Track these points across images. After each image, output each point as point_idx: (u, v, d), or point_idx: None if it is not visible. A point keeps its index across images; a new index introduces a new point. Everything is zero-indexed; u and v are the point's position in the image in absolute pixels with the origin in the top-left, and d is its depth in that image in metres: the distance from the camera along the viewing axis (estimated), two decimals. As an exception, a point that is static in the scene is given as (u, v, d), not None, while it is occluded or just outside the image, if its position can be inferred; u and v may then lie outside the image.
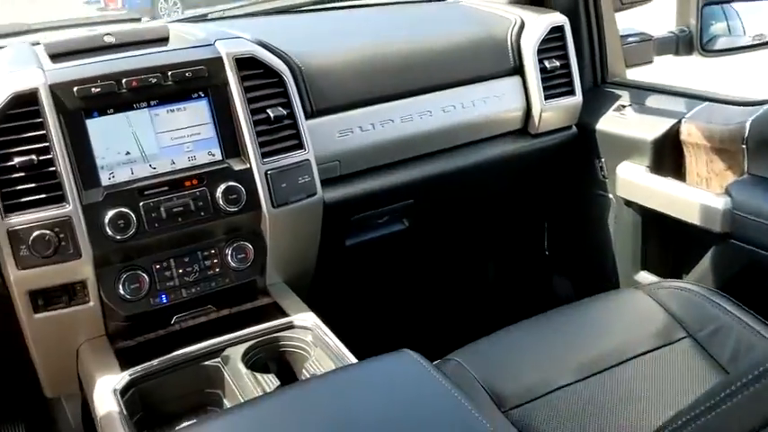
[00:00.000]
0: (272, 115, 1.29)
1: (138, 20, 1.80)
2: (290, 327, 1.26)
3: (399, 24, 1.73)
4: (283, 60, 1.36)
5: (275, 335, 1.24)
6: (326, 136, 1.41)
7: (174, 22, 1.79)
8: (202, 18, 1.82)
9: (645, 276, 1.64)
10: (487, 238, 2.03)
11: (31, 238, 1.13)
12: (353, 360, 1.14)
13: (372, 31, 1.66)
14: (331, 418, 0.82)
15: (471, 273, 2.10)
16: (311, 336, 1.24)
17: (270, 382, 1.13)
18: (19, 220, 1.13)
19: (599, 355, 1.20)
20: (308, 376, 1.17)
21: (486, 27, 1.64)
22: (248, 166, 1.27)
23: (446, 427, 0.77)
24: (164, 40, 1.41)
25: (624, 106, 1.65)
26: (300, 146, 1.33)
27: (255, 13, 1.87)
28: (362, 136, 1.45)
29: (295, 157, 1.32)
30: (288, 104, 1.32)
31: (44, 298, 1.21)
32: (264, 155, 1.28)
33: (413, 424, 0.79)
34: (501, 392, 1.14)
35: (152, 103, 1.22)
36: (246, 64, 1.29)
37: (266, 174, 1.28)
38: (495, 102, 1.59)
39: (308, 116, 1.38)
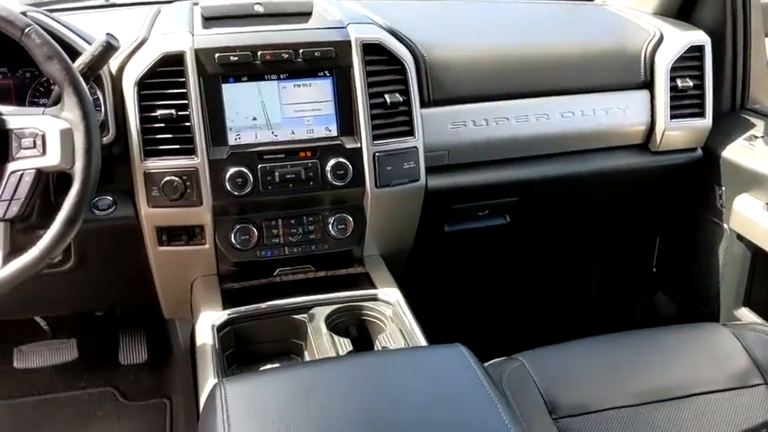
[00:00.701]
0: (388, 101, 1.36)
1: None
2: (374, 299, 1.35)
3: (535, 23, 1.73)
4: (409, 49, 1.43)
5: (359, 303, 1.34)
6: (439, 125, 1.47)
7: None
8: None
9: (745, 313, 1.58)
10: (591, 245, 2.01)
11: (163, 181, 1.29)
12: (423, 341, 1.21)
13: (505, 28, 1.68)
14: (368, 393, 0.91)
15: (568, 277, 2.09)
16: (391, 311, 1.32)
17: (343, 345, 1.23)
18: (155, 164, 1.29)
19: (664, 384, 1.19)
20: (381, 348, 1.26)
21: (623, 37, 1.61)
22: (359, 145, 1.36)
23: (468, 428, 0.83)
24: (307, 14, 1.53)
25: (756, 137, 1.56)
26: (411, 133, 1.40)
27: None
28: (475, 130, 1.49)
29: (404, 143, 1.39)
30: (405, 92, 1.39)
31: (168, 234, 1.38)
32: (376, 137, 1.36)
33: (438, 416, 0.86)
34: (556, 400, 1.17)
35: (282, 76, 1.34)
36: (373, 49, 1.37)
37: (374, 155, 1.36)
38: (617, 114, 1.57)
39: (424, 104, 1.44)
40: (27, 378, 1.87)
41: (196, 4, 1.55)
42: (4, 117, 1.07)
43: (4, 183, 1.06)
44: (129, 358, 1.94)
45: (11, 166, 1.06)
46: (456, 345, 1.00)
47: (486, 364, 1.18)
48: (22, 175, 1.06)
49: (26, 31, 1.05)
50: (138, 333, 1.98)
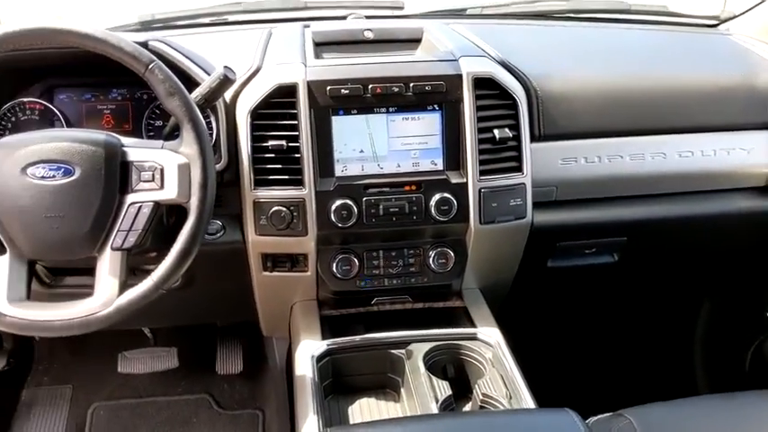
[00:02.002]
0: (497, 136, 1.33)
1: (402, 7, 1.90)
2: (474, 338, 1.32)
3: (653, 53, 1.64)
4: (521, 82, 1.39)
5: (458, 342, 1.31)
6: (549, 161, 1.43)
7: (432, 14, 1.89)
8: (460, 13, 1.89)
9: None
10: (700, 286, 1.91)
11: (271, 211, 1.31)
12: (524, 392, 1.17)
13: (622, 58, 1.61)
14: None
15: (675, 319, 1.99)
16: (491, 353, 1.29)
17: (442, 388, 1.21)
18: (264, 194, 1.31)
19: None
20: (480, 394, 1.23)
21: (749, 72, 1.51)
22: (465, 180, 1.33)
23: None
24: (416, 41, 1.51)
25: None
26: (519, 169, 1.36)
27: (510, 14, 1.89)
28: (586, 167, 1.44)
29: (512, 179, 1.35)
30: (516, 127, 1.35)
31: (272, 261, 1.40)
32: (482, 173, 1.33)
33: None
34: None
35: (390, 109, 1.33)
36: (484, 83, 1.34)
37: (480, 191, 1.33)
38: (740, 155, 1.48)
39: (534, 139, 1.40)
40: (129, 382, 1.96)
41: (307, 26, 1.57)
42: (125, 149, 1.11)
43: (123, 214, 1.09)
44: (225, 368, 2.00)
45: (130, 198, 1.10)
46: (565, 410, 0.96)
47: (591, 421, 1.14)
48: (140, 207, 1.09)
49: (150, 66, 1.08)
50: (236, 345, 2.03)
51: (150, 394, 1.95)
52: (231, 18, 1.83)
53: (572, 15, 1.86)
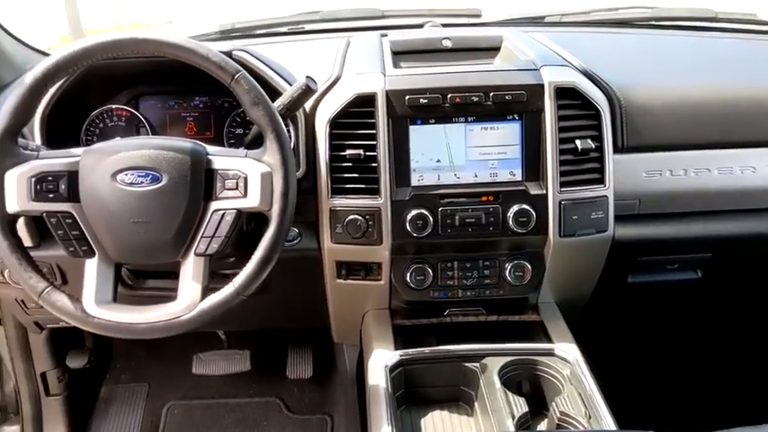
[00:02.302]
0: (579, 147, 1.30)
1: (479, 15, 1.88)
2: (551, 354, 1.29)
3: (744, 62, 1.58)
4: (605, 93, 1.35)
5: (534, 357, 1.29)
6: (632, 173, 1.38)
7: (510, 21, 1.86)
8: (539, 20, 1.86)
9: None
10: None
11: (347, 219, 1.31)
12: (604, 412, 1.13)
13: (711, 67, 1.55)
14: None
15: (762, 339, 1.89)
16: (569, 370, 1.25)
17: (518, 405, 1.18)
18: (341, 202, 1.32)
19: None
20: (558, 413, 1.20)
21: None
22: (544, 192, 1.30)
23: None
24: (495, 49, 1.49)
25: None
26: (601, 181, 1.32)
27: (590, 22, 1.85)
28: (671, 180, 1.39)
29: (593, 191, 1.32)
30: (598, 138, 1.32)
31: (347, 269, 1.40)
32: (563, 184, 1.30)
33: None
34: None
35: (469, 118, 1.31)
36: (566, 93, 1.31)
37: (560, 203, 1.30)
38: (837, 169, 1.39)
39: (618, 151, 1.36)
40: (202, 382, 2.00)
41: (385, 35, 1.57)
42: (210, 157, 1.13)
43: (207, 220, 1.12)
44: (295, 373, 2.02)
45: (214, 205, 1.12)
46: None
47: None
48: (223, 214, 1.11)
49: (236, 76, 1.10)
50: (306, 350, 2.05)
51: (222, 396, 1.99)
52: (308, 27, 1.86)
53: (655, 23, 1.80)
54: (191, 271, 1.12)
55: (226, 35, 1.77)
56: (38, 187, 1.10)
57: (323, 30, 1.84)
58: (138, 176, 1.09)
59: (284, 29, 1.84)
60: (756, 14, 1.73)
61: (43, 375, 1.79)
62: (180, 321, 1.11)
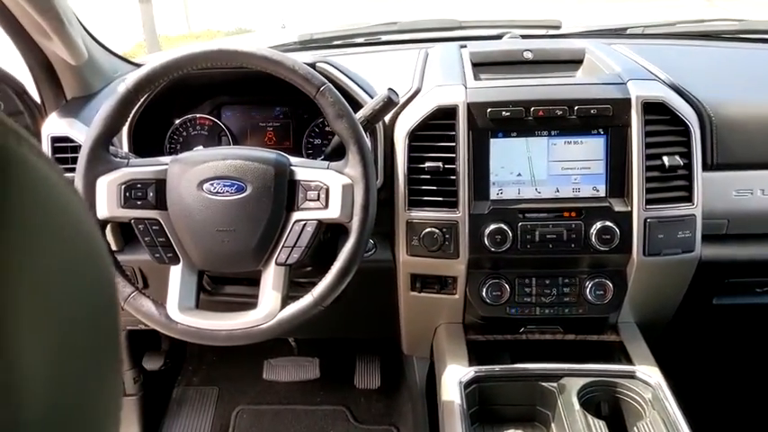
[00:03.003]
0: (667, 163, 1.26)
1: (558, 26, 1.85)
2: (632, 376, 1.25)
3: None
4: (695, 108, 1.31)
5: (615, 380, 1.25)
6: (721, 192, 1.33)
7: (591, 33, 1.82)
8: (620, 32, 1.81)
9: None
10: None
11: (423, 232, 1.30)
12: None
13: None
14: None
15: None
16: (651, 393, 1.21)
17: (599, 428, 1.15)
18: (418, 214, 1.31)
19: None
20: (638, 437, 1.16)
21: None
22: (629, 209, 1.27)
23: None
24: (578, 62, 1.46)
25: None
26: (689, 199, 1.27)
27: (675, 34, 1.79)
28: (762, 200, 1.33)
29: (681, 209, 1.27)
30: (687, 155, 1.27)
31: (421, 282, 1.39)
32: (649, 201, 1.26)
33: None
34: None
35: (552, 132, 1.29)
36: (654, 108, 1.27)
37: (645, 221, 1.26)
38: None
39: (707, 168, 1.31)
40: (272, 388, 2.02)
41: (464, 46, 1.56)
42: (293, 168, 1.15)
43: (288, 230, 1.13)
44: (363, 383, 2.02)
45: (296, 215, 1.13)
46: None
47: None
48: (305, 224, 1.12)
49: (321, 89, 1.11)
50: (375, 361, 2.05)
51: (291, 402, 2.00)
52: (385, 38, 1.87)
53: (743, 36, 1.73)
54: (271, 280, 1.13)
55: (305, 45, 1.79)
56: (127, 194, 1.13)
57: (400, 41, 1.84)
58: (224, 186, 1.11)
59: (361, 39, 1.85)
60: None
61: None
62: (260, 330, 1.13)
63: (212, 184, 1.11)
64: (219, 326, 1.13)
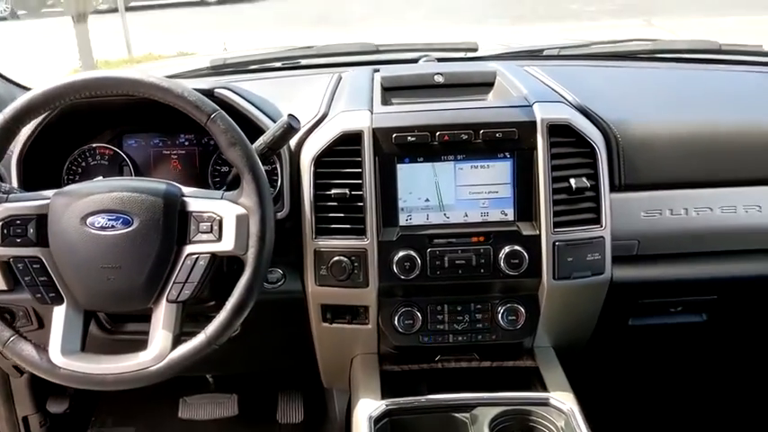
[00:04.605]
0: (574, 186, 1.25)
1: (475, 49, 1.85)
2: (545, 403, 1.22)
3: (749, 98, 1.52)
4: (601, 130, 1.30)
5: (528, 408, 1.22)
6: (630, 213, 1.32)
7: (507, 55, 1.82)
8: (536, 54, 1.82)
9: None
10: None
11: (331, 261, 1.26)
12: None
13: (712, 103, 1.49)
14: None
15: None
16: (564, 421, 1.19)
17: (510, 459, 1.12)
18: (325, 243, 1.26)
19: None
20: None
21: None
22: (537, 233, 1.25)
23: None
24: (489, 85, 1.45)
25: None
26: (598, 221, 1.27)
27: (590, 55, 1.81)
28: (671, 220, 1.33)
29: (589, 232, 1.26)
30: (594, 176, 1.26)
31: (332, 312, 1.35)
32: (557, 224, 1.25)
33: None
34: None
35: (459, 157, 1.27)
36: (560, 131, 1.26)
37: (554, 244, 1.25)
38: None
39: (615, 189, 1.31)
40: (190, 427, 1.94)
41: (377, 70, 1.53)
42: (185, 199, 1.09)
43: (179, 265, 1.07)
44: (286, 417, 1.95)
45: (188, 249, 1.08)
46: None
47: None
48: (197, 258, 1.07)
49: (212, 116, 1.07)
50: (297, 394, 1.98)
51: (211, 443, 1.92)
52: (303, 62, 1.83)
53: (657, 56, 1.75)
54: (162, 319, 1.07)
55: (217, 71, 1.74)
56: (5, 231, 1.06)
57: (317, 65, 1.81)
58: (109, 220, 1.05)
59: (278, 64, 1.82)
60: (762, 46, 1.67)
61: (25, 420, 1.74)
62: (148, 372, 1.07)
63: (96, 219, 1.05)
64: (107, 369, 1.06)
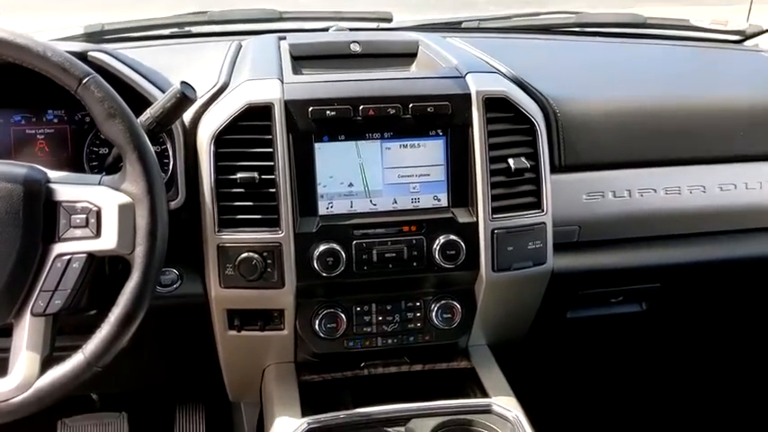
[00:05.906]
0: (513, 166, 1.12)
1: (390, 19, 1.70)
2: (488, 411, 1.11)
3: (683, 72, 1.46)
4: (539, 104, 1.19)
5: (469, 416, 1.10)
6: (571, 196, 1.22)
7: (424, 26, 1.69)
8: (455, 26, 1.69)
9: None
10: (746, 341, 1.68)
11: (239, 258, 1.08)
12: None
13: (653, 77, 1.42)
14: None
15: (713, 377, 1.77)
16: (509, 430, 1.07)
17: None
18: (231, 237, 1.08)
19: None
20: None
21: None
22: (474, 220, 1.12)
23: None
24: (411, 56, 1.31)
25: None
26: (538, 205, 1.15)
27: (511, 28, 1.70)
28: (614, 202, 1.24)
29: (530, 218, 1.14)
30: (534, 156, 1.15)
31: (240, 318, 1.17)
32: (495, 210, 1.12)
33: None
34: None
35: (386, 135, 1.12)
36: (496, 105, 1.13)
37: (493, 232, 1.12)
38: (791, 187, 1.29)
39: (555, 170, 1.20)
40: (70, 453, 1.69)
41: (283, 38, 1.35)
42: (52, 186, 0.87)
43: (46, 269, 0.86)
44: (186, 435, 1.74)
45: (56, 249, 0.87)
46: None
47: None
48: (69, 260, 0.87)
49: (84, 81, 0.86)
50: (197, 410, 1.77)
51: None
52: (195, 30, 1.62)
53: (580, 30, 1.67)
54: (25, 336, 0.86)
55: (93, 38, 1.49)
56: None
57: (212, 33, 1.60)
58: None
59: (166, 32, 1.59)
60: (689, 20, 1.62)
61: None
62: (10, 405, 0.85)
63: None
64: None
